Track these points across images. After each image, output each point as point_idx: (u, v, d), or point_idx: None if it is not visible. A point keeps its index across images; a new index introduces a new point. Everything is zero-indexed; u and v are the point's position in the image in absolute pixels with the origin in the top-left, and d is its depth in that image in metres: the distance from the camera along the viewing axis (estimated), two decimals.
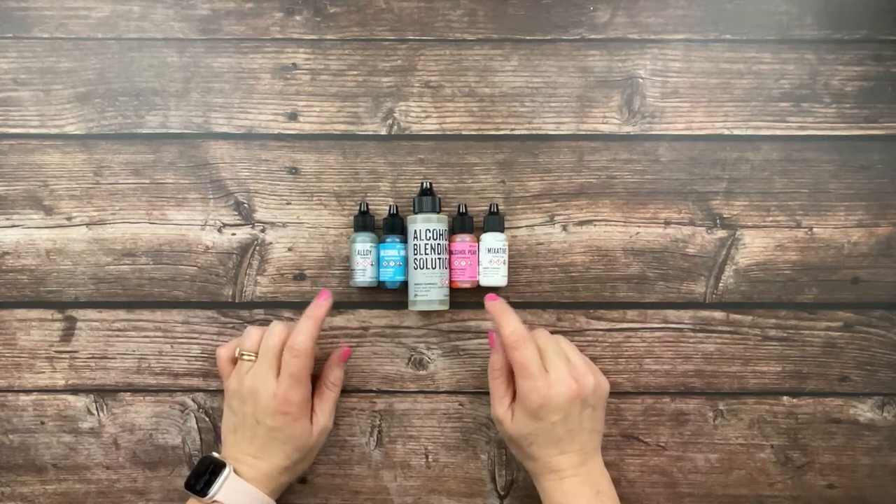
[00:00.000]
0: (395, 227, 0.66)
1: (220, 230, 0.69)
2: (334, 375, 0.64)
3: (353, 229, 0.68)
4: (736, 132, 0.68)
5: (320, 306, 0.60)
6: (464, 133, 0.68)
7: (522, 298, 0.69)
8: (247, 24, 0.68)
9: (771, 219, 0.69)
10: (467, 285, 0.66)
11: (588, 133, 0.68)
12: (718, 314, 0.69)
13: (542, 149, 0.68)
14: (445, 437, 0.69)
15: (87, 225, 0.68)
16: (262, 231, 0.69)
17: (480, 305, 0.69)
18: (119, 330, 0.69)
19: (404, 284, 0.66)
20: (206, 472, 0.57)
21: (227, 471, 0.57)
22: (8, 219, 0.68)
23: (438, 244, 0.64)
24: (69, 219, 0.68)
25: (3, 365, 0.69)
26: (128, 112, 0.68)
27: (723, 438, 0.69)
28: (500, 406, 0.59)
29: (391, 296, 0.69)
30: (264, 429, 0.58)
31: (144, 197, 0.68)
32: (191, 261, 0.69)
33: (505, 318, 0.58)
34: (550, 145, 0.68)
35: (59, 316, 0.69)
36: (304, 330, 0.58)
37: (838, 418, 0.69)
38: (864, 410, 0.69)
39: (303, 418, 0.59)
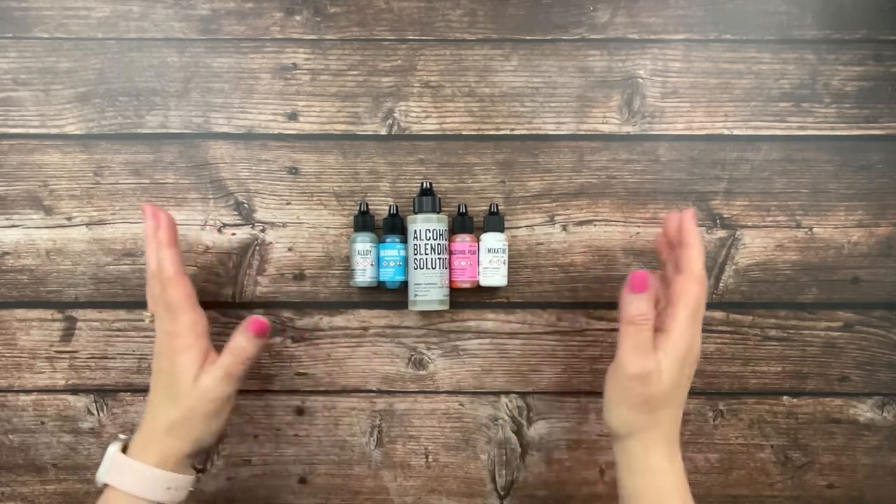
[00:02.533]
0: (395, 227, 0.66)
1: (220, 230, 0.69)
2: (235, 342, 0.55)
3: (353, 229, 0.68)
4: (736, 132, 0.68)
5: (161, 228, 0.54)
6: (464, 133, 0.69)
7: (523, 298, 0.69)
8: (247, 24, 0.68)
9: (771, 219, 0.69)
10: (467, 285, 0.66)
11: (588, 133, 0.68)
12: (718, 314, 0.69)
13: (542, 149, 0.69)
14: (445, 437, 0.69)
15: (87, 225, 0.68)
16: (262, 231, 0.69)
17: (480, 305, 0.69)
18: (119, 330, 0.69)
19: (404, 284, 0.66)
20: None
21: (111, 449, 0.51)
22: (8, 219, 0.68)
23: (438, 244, 0.64)
24: (69, 219, 0.68)
25: (3, 365, 0.69)
26: (128, 112, 0.68)
27: (723, 438, 0.69)
28: (649, 359, 0.47)
29: (391, 296, 0.69)
30: (153, 373, 0.54)
31: (144, 197, 0.68)
32: (191, 261, 0.69)
33: (699, 251, 0.49)
34: (550, 145, 0.68)
35: (59, 316, 0.69)
36: (164, 258, 0.53)
37: (838, 418, 0.69)
38: (864, 410, 0.69)
39: (187, 351, 0.52)
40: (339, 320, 0.69)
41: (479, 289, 0.68)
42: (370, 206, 0.68)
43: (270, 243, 0.69)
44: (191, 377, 0.52)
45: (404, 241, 0.66)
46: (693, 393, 0.69)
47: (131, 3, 0.68)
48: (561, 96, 0.68)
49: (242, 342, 0.54)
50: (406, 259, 0.66)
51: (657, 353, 0.48)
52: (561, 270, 0.69)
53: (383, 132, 0.69)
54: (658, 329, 0.49)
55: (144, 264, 0.69)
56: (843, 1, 0.68)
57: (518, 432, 0.69)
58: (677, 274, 0.48)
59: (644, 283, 0.48)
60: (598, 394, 0.69)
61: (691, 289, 0.47)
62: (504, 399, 0.69)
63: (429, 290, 0.64)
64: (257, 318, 0.55)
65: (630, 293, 0.48)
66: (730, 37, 0.68)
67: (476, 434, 0.69)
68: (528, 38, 0.68)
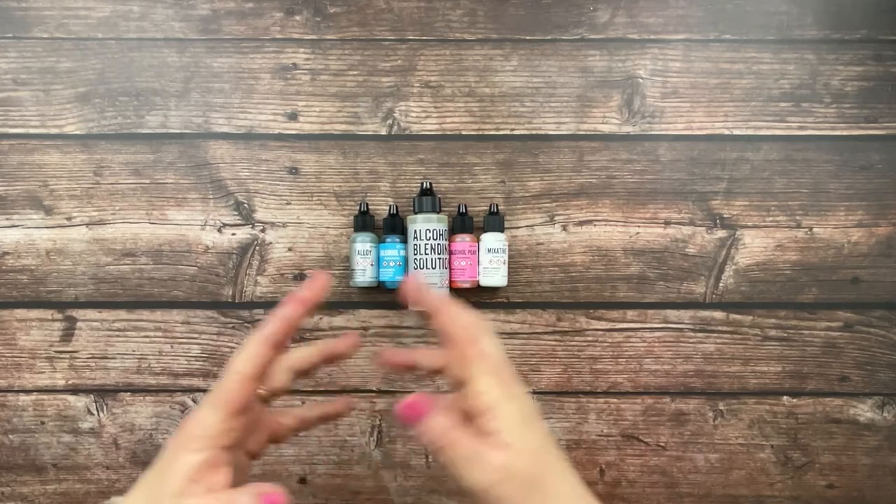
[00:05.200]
0: (395, 227, 0.66)
1: (220, 230, 0.69)
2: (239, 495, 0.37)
3: (353, 229, 0.68)
4: (736, 132, 0.68)
5: (269, 321, 0.38)
6: (464, 133, 0.68)
7: (522, 298, 0.69)
8: (247, 24, 0.68)
9: (771, 219, 0.69)
10: (467, 285, 0.66)
11: (588, 133, 0.68)
12: (718, 314, 0.69)
13: (542, 149, 0.68)
14: None
15: (87, 225, 0.68)
16: (262, 231, 0.69)
17: (480, 305, 0.69)
18: (119, 330, 0.69)
19: None
20: None
21: None
22: (8, 219, 0.68)
23: (438, 244, 0.64)
24: (69, 219, 0.68)
25: (3, 365, 0.69)
26: (128, 112, 0.68)
27: (723, 438, 0.69)
28: (485, 462, 0.35)
29: (391, 296, 0.69)
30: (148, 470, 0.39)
31: (144, 197, 0.68)
32: (191, 261, 0.69)
33: (452, 313, 0.39)
34: (550, 145, 0.68)
35: (59, 316, 0.69)
36: (246, 347, 0.39)
37: (838, 418, 0.69)
38: (864, 410, 0.69)
39: (195, 453, 0.37)
40: (339, 320, 0.69)
41: (479, 289, 0.68)
42: (370, 206, 0.68)
43: (270, 243, 0.69)
44: (174, 491, 0.36)
45: (404, 241, 0.66)
46: (693, 393, 0.69)
47: (131, 3, 0.68)
48: (561, 96, 0.68)
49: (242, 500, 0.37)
50: (406, 259, 0.66)
51: (490, 439, 0.36)
52: (561, 270, 0.69)
53: (383, 132, 0.69)
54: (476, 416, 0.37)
55: (145, 264, 0.69)
56: (843, 1, 0.68)
57: None
58: (449, 346, 0.38)
59: (417, 412, 0.37)
60: (598, 394, 0.69)
61: (472, 353, 0.37)
62: None
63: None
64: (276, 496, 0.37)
65: (415, 427, 0.37)
66: (730, 37, 0.68)
67: None
68: (528, 38, 0.68)
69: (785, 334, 0.69)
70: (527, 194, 0.69)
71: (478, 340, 0.38)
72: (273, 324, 0.38)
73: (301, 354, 0.43)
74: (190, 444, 0.37)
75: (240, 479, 0.39)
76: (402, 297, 0.40)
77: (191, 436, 0.37)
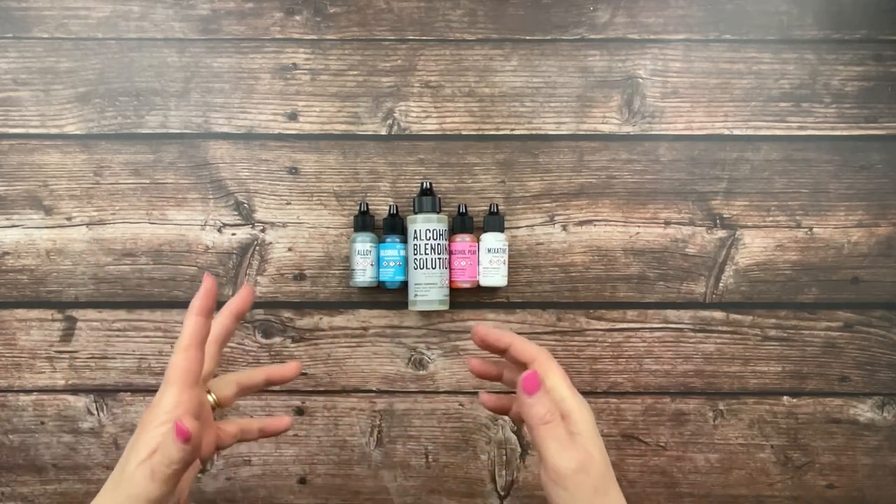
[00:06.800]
0: (395, 227, 0.66)
1: (220, 230, 0.69)
2: (163, 441, 0.41)
3: (353, 229, 0.68)
4: (736, 132, 0.68)
5: (198, 295, 0.43)
6: (464, 133, 0.69)
7: (522, 298, 0.69)
8: (247, 24, 0.68)
9: (771, 219, 0.69)
10: (467, 285, 0.66)
11: (588, 133, 0.68)
12: (718, 314, 0.69)
13: (542, 149, 0.69)
14: (445, 437, 0.69)
15: (87, 225, 0.68)
16: (262, 231, 0.69)
17: (480, 305, 0.69)
18: (119, 330, 0.69)
19: (404, 284, 0.66)
20: None
21: None
22: (8, 219, 0.68)
23: (438, 244, 0.64)
24: (69, 219, 0.68)
25: (3, 365, 0.69)
26: (128, 112, 0.68)
27: (723, 438, 0.69)
28: (577, 447, 0.43)
29: (391, 296, 0.69)
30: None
31: (144, 197, 0.68)
32: (191, 261, 0.69)
33: (523, 340, 0.46)
34: (550, 145, 0.68)
35: (59, 316, 0.69)
36: (185, 324, 0.44)
37: (838, 418, 0.69)
38: (864, 410, 0.69)
39: (155, 430, 0.43)
40: (339, 320, 0.69)
41: (479, 289, 0.68)
42: (370, 206, 0.68)
43: (270, 243, 0.69)
44: (137, 461, 0.41)
45: (404, 241, 0.66)
46: (693, 393, 0.69)
47: (131, 3, 0.68)
48: (561, 96, 0.68)
49: (168, 443, 0.41)
50: (406, 259, 0.66)
51: (575, 438, 0.43)
52: (561, 270, 0.69)
53: (383, 132, 0.69)
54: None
55: (145, 264, 0.69)
56: (843, 1, 0.68)
57: (518, 432, 0.69)
58: (527, 365, 0.46)
59: (537, 382, 0.44)
60: (598, 394, 0.69)
61: (549, 365, 0.45)
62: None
63: (429, 290, 0.64)
64: (179, 424, 0.40)
65: (529, 397, 0.44)
66: (730, 37, 0.68)
67: (476, 434, 0.69)
68: (528, 38, 0.68)
69: (785, 334, 0.69)
70: (527, 194, 0.69)
71: (551, 358, 0.45)
72: (198, 298, 0.43)
73: (248, 373, 0.49)
74: (153, 422, 0.43)
75: (188, 477, 0.45)
76: (478, 340, 0.47)
77: (153, 414, 0.43)
